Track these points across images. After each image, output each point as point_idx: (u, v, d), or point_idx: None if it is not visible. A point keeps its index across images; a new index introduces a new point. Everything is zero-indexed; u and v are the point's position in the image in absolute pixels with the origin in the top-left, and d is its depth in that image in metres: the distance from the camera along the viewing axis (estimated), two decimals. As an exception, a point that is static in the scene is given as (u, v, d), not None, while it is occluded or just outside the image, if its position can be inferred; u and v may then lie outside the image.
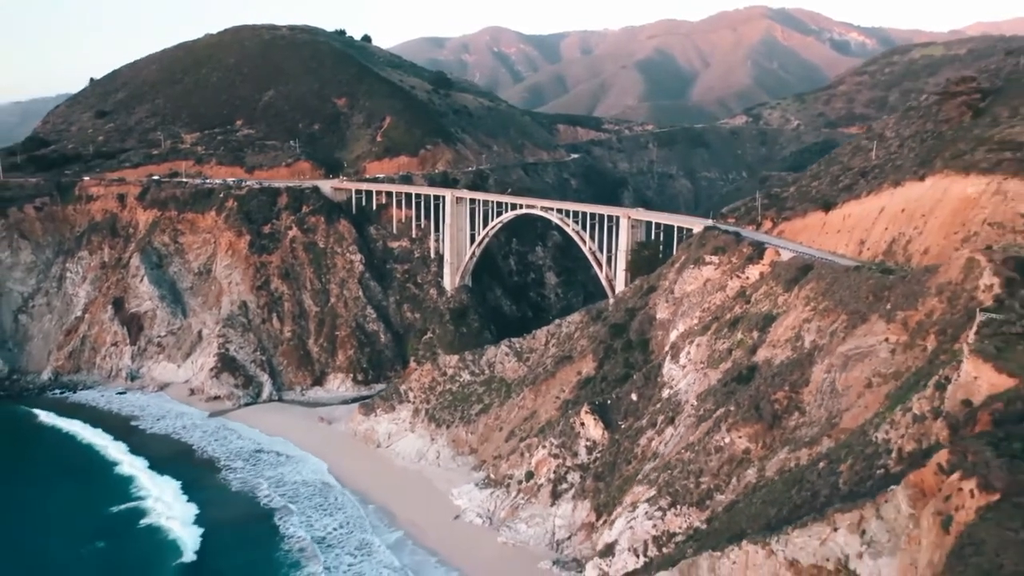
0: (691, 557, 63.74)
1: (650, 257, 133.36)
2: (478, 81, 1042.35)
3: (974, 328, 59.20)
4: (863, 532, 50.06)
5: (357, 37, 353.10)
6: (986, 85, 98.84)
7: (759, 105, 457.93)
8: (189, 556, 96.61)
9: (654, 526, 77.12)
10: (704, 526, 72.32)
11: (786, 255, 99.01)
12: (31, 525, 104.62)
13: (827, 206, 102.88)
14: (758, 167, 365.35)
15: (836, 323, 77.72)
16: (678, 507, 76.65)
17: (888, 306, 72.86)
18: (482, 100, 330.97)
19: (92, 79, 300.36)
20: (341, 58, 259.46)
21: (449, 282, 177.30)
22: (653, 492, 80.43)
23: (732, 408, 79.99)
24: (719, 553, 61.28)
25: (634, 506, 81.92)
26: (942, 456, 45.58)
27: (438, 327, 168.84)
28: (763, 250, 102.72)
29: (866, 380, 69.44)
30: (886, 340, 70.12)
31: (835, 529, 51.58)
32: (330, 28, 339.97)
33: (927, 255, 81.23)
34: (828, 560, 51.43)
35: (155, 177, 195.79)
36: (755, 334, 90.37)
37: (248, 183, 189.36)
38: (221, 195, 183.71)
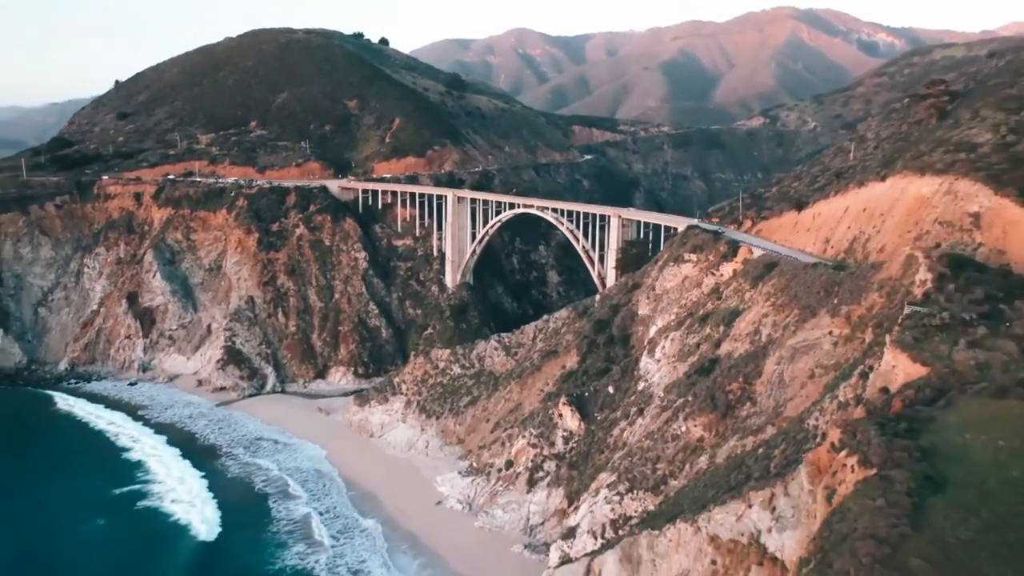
0: (633, 536, 67.29)
1: (638, 255, 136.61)
2: (503, 82, 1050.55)
3: (899, 320, 62.23)
4: (773, 508, 53.32)
5: (375, 40, 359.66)
6: (956, 88, 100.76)
7: (776, 106, 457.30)
8: (191, 533, 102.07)
9: (612, 510, 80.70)
10: (656, 509, 75.74)
11: (758, 253, 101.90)
12: (41, 502, 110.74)
13: (799, 206, 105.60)
14: (773, 168, 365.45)
15: (789, 317, 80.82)
16: (635, 492, 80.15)
17: (835, 301, 75.93)
18: (496, 102, 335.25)
19: (117, 81, 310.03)
20: (354, 61, 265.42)
21: (451, 279, 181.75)
22: (614, 478, 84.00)
23: (690, 398, 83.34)
24: (657, 532, 64.83)
25: (596, 492, 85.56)
26: (835, 435, 48.87)
27: (438, 323, 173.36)
28: (737, 248, 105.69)
29: (809, 371, 72.59)
30: (830, 333, 73.19)
31: (749, 506, 54.91)
32: (350, 31, 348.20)
33: (882, 253, 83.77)
34: (743, 535, 54.82)
35: (170, 176, 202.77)
36: (721, 328, 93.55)
37: (258, 183, 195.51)
38: (232, 194, 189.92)
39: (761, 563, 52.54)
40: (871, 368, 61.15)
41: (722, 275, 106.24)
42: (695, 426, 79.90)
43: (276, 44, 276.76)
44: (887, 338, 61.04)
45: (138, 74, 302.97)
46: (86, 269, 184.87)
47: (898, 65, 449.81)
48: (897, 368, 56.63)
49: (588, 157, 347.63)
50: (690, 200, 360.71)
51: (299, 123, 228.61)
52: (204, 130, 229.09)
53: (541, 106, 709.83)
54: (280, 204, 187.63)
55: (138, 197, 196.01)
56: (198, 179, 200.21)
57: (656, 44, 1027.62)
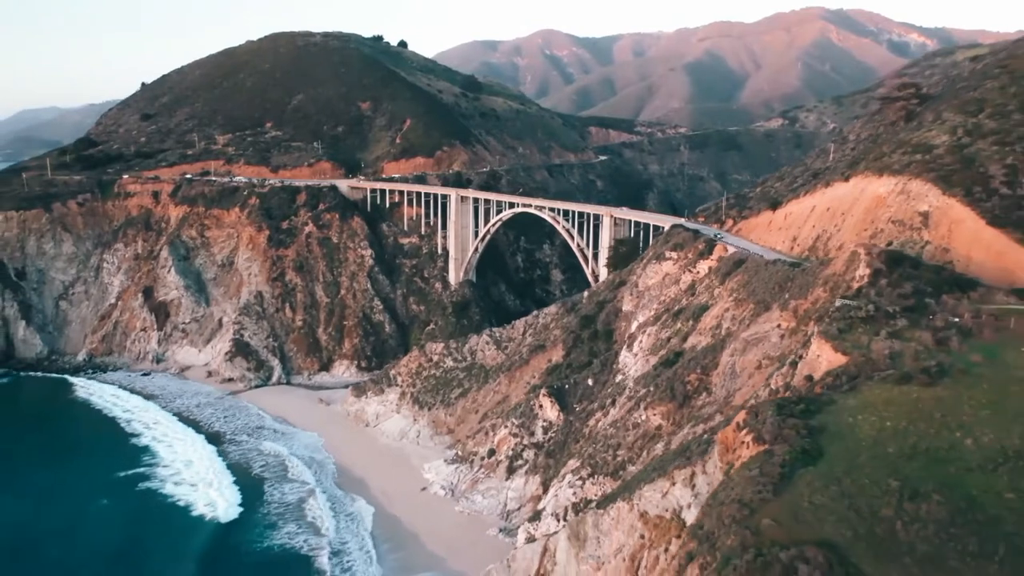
0: (581, 516, 71.21)
1: (627, 253, 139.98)
2: (529, 84, 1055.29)
3: (829, 313, 65.71)
4: (693, 485, 57.17)
5: (395, 43, 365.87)
6: (926, 91, 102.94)
7: (796, 108, 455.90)
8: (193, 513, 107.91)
9: (574, 494, 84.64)
10: (611, 492, 79.50)
11: (732, 251, 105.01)
12: (59, 480, 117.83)
13: (774, 205, 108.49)
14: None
15: (746, 312, 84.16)
16: (595, 477, 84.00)
17: (786, 296, 79.27)
18: (511, 103, 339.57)
19: (143, 83, 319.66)
20: (369, 63, 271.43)
21: (454, 277, 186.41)
22: (578, 464, 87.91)
23: (652, 389, 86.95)
24: (602, 511, 68.68)
25: (563, 477, 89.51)
26: (740, 417, 52.59)
27: (440, 319, 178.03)
28: (713, 246, 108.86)
29: (757, 362, 76.02)
30: (778, 326, 76.52)
31: (673, 484, 58.74)
32: (373, 34, 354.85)
33: (840, 250, 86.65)
34: (667, 511, 58.66)
35: (188, 176, 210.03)
36: (690, 323, 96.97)
37: (271, 182, 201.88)
38: (245, 193, 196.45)
39: (679, 536, 56.29)
40: (800, 358, 64.50)
41: (698, 272, 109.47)
42: (654, 415, 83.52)
43: (294, 47, 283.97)
44: (815, 330, 64.65)
45: (163, 76, 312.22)
46: (105, 264, 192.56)
47: (920, 66, 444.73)
48: (821, 357, 60.19)
49: (603, 158, 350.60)
50: (705, 201, 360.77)
51: (313, 124, 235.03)
52: (222, 131, 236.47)
53: (566, 107, 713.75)
54: (291, 203, 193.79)
55: (156, 195, 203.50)
56: (214, 178, 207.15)
57: (684, 45, 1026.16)
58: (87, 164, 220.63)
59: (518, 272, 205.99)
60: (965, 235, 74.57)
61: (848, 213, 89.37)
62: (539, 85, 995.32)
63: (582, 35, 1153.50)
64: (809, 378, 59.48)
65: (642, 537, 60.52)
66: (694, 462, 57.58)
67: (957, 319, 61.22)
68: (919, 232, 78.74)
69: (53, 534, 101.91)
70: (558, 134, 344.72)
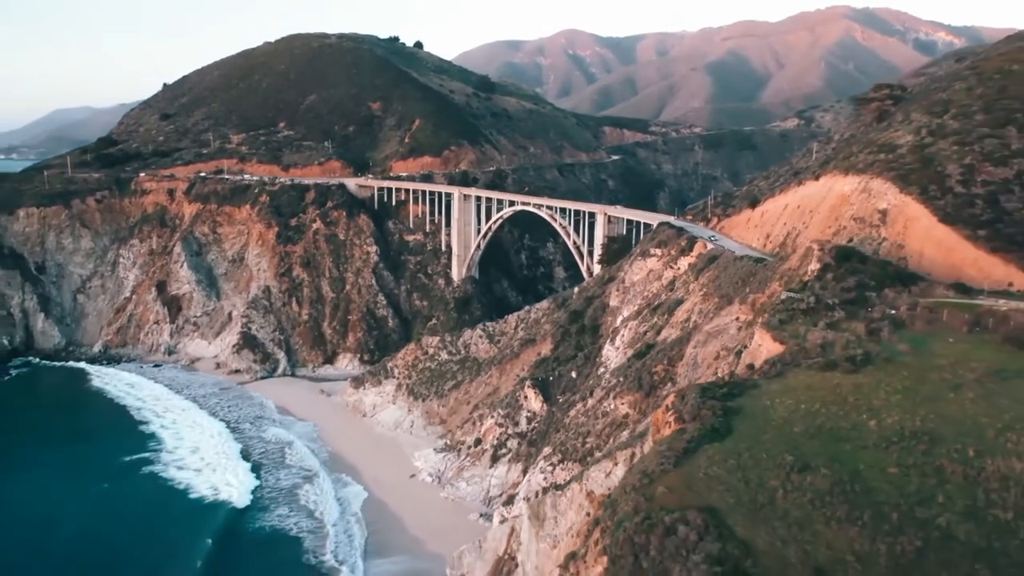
0: (542, 497, 74.75)
1: (619, 250, 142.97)
2: (552, 83, 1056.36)
3: (774, 306, 68.75)
4: (632, 465, 60.41)
5: (410, 44, 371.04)
6: (899, 92, 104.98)
7: (812, 108, 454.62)
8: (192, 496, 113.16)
9: (545, 479, 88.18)
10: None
11: (710, 248, 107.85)
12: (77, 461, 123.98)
13: (753, 204, 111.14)
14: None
15: (711, 305, 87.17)
16: (565, 463, 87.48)
17: (747, 290, 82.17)
18: (524, 103, 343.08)
19: (165, 84, 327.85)
20: (381, 64, 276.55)
21: (456, 273, 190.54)
22: (550, 451, 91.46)
23: (622, 379, 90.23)
24: (560, 493, 72.24)
25: (537, 464, 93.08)
26: (670, 399, 55.96)
27: (442, 314, 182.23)
28: (694, 243, 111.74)
29: (716, 353, 79.08)
30: (736, 319, 79.58)
31: (616, 464, 62.23)
32: (394, 35, 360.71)
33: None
34: (609, 489, 62.05)
35: (202, 174, 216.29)
36: (664, 317, 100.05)
37: (281, 180, 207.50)
38: (256, 191, 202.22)
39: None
40: (746, 347, 67.64)
41: (679, 268, 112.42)
42: (622, 404, 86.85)
43: (309, 49, 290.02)
44: (758, 321, 67.74)
45: (184, 77, 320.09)
46: (121, 259, 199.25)
47: (939, 65, 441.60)
48: (762, 346, 63.38)
49: (615, 157, 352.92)
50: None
51: (325, 124, 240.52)
52: (236, 130, 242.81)
53: (587, 107, 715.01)
54: (300, 200, 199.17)
55: (171, 193, 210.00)
56: (226, 176, 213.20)
57: (707, 44, 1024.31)
58: (106, 162, 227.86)
59: (522, 269, 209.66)
60: (918, 232, 77.10)
61: (815, 211, 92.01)
62: (561, 85, 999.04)
63: (606, 35, 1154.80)
64: (751, 366, 62.63)
65: (588, 515, 63.99)
66: (635, 444, 61.06)
67: (894, 311, 63.90)
68: (877, 229, 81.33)
69: (67, 510, 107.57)
70: (571, 134, 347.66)
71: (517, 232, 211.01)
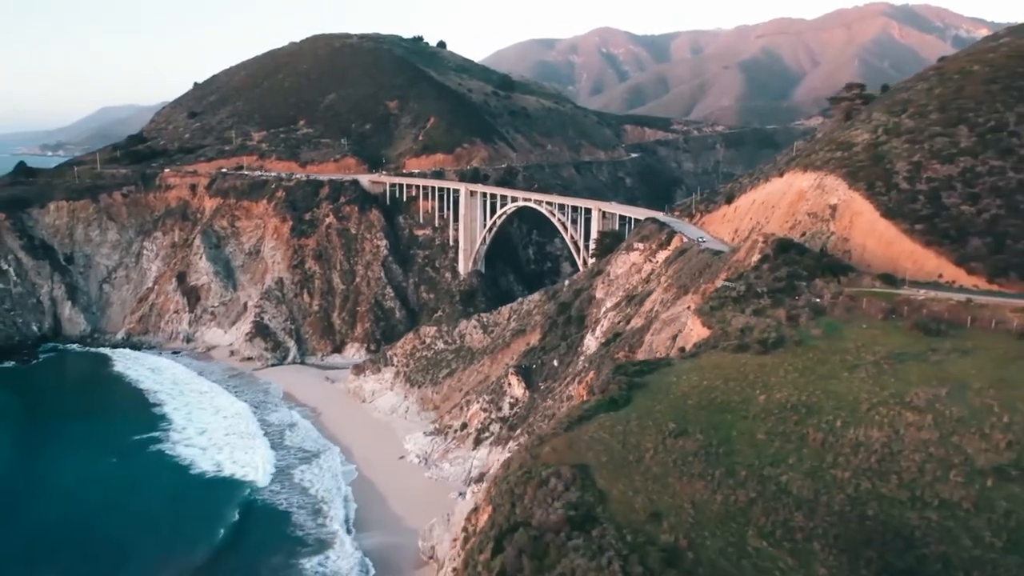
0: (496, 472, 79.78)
1: (611, 244, 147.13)
2: (584, 82, 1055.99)
3: (710, 293, 73.00)
4: (564, 438, 65.19)
5: (433, 43, 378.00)
6: (870, 92, 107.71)
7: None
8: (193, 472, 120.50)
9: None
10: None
11: (686, 241, 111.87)
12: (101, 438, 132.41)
13: (729, 199, 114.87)
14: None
15: (671, 295, 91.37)
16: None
17: (701, 280, 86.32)
18: (544, 102, 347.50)
19: (195, 83, 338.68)
20: (399, 64, 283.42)
21: (463, 267, 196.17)
22: (520, 432, 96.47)
23: (587, 366, 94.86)
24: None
25: (509, 445, 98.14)
26: (590, 376, 60.83)
27: (448, 306, 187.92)
28: (672, 237, 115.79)
29: (668, 340, 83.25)
30: (688, 308, 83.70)
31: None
32: (419, 35, 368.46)
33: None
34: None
35: (223, 170, 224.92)
36: (636, 307, 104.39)
37: (297, 176, 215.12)
38: (273, 186, 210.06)
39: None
40: (680, 332, 72.07)
41: (657, 261, 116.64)
42: (582, 388, 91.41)
43: (331, 49, 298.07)
44: (691, 308, 72.10)
45: (213, 77, 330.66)
46: (145, 251, 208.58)
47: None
48: (693, 331, 67.98)
49: (634, 155, 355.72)
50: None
51: (343, 122, 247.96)
52: (258, 128, 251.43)
53: (617, 105, 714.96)
54: (314, 196, 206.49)
55: (193, 188, 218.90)
56: (246, 172, 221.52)
57: (742, 42, 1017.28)
58: (134, 159, 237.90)
59: (529, 264, 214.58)
60: (863, 226, 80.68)
61: (777, 206, 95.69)
62: (594, 83, 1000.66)
63: (640, 33, 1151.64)
64: (682, 349, 67.16)
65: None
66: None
67: (818, 299, 67.98)
68: (827, 223, 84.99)
69: (84, 479, 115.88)
70: (590, 132, 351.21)
71: (525, 228, 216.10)
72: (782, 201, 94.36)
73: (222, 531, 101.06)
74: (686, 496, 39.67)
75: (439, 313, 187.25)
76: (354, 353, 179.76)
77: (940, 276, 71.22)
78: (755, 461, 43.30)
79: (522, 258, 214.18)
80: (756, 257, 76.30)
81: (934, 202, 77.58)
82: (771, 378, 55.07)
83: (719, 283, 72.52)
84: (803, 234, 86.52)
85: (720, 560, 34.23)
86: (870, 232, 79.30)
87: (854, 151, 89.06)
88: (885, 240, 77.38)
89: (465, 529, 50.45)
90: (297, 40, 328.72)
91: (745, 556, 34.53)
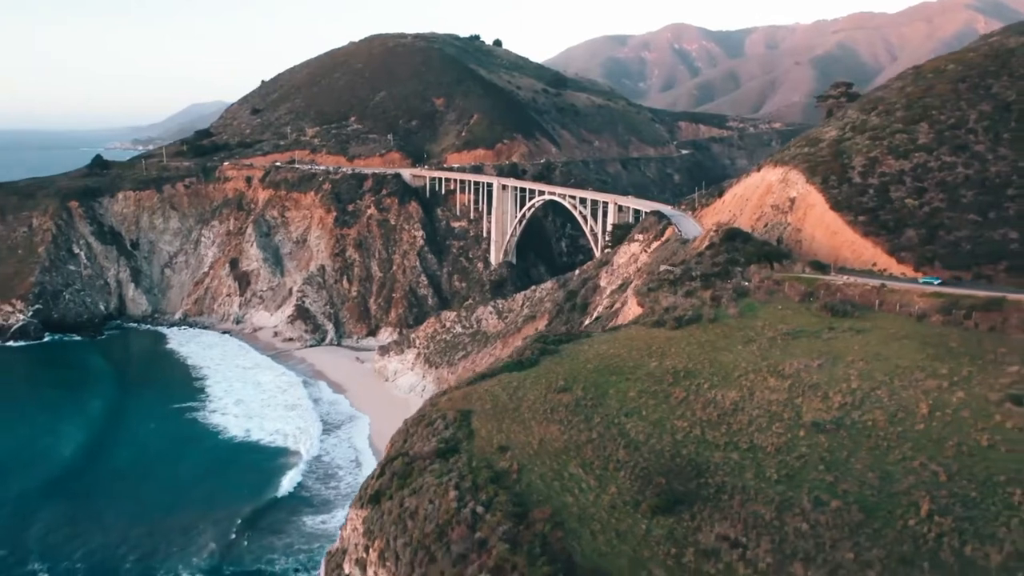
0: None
1: (622, 236, 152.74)
2: (655, 78, 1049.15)
3: (651, 276, 79.33)
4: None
5: (489, 42, 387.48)
6: (855, 91, 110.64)
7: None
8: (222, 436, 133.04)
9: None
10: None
11: (677, 232, 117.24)
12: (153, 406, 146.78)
13: (720, 193, 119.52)
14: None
15: (641, 281, 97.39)
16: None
17: (662, 266, 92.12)
18: (595, 99, 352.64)
19: (262, 81, 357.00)
20: (448, 62, 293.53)
21: (494, 257, 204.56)
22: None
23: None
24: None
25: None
26: (518, 344, 68.01)
27: (478, 295, 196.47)
28: (666, 229, 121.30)
29: (625, 320, 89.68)
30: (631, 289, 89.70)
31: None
32: (475, 34, 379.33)
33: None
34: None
35: (276, 163, 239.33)
36: (622, 293, 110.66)
37: (343, 169, 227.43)
38: (321, 179, 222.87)
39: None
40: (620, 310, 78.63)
41: (651, 251, 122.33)
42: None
43: (384, 48, 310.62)
44: (630, 288, 78.58)
45: (278, 75, 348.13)
46: (203, 238, 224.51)
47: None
48: (630, 309, 74.83)
49: (684, 152, 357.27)
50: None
51: (390, 118, 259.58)
52: (312, 124, 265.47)
53: (686, 102, 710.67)
54: (358, 188, 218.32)
55: (248, 180, 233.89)
56: (297, 166, 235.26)
57: (819, 37, 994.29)
58: (198, 152, 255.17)
59: (561, 256, 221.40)
60: (813, 217, 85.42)
61: (750, 199, 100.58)
62: (665, 79, 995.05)
63: (715, 28, 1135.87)
64: (620, 325, 73.73)
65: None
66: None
67: (747, 283, 73.64)
68: (786, 215, 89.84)
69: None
70: (640, 128, 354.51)
71: (559, 221, 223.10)
72: (755, 195, 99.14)
73: (265, 485, 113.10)
74: (538, 436, 46.89)
75: (469, 301, 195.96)
76: (387, 336, 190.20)
77: (874, 265, 75.53)
78: (615, 412, 50.02)
79: (555, 250, 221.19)
80: (705, 244, 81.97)
81: (881, 195, 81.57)
82: (671, 349, 61.39)
83: (662, 268, 78.54)
84: (766, 225, 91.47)
85: (536, 481, 41.47)
86: (819, 223, 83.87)
87: (820, 147, 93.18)
88: (831, 231, 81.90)
89: (381, 464, 58.59)
90: (356, 40, 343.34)
91: (559, 479, 41.64)
